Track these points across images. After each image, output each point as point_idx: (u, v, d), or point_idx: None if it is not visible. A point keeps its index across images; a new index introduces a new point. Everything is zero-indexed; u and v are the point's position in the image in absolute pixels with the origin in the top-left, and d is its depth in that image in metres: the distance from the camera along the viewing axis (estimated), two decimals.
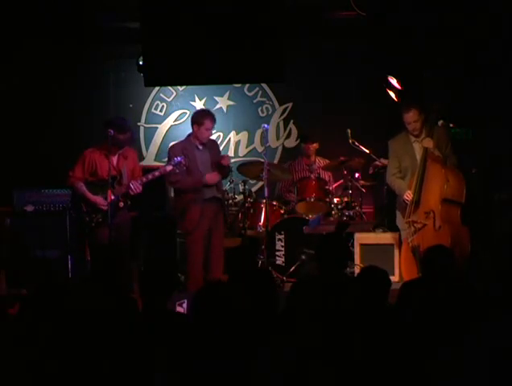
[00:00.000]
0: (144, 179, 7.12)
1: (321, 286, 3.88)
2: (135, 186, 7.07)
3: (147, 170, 7.43)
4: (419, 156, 7.04)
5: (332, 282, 4.57)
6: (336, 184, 8.41)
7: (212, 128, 7.26)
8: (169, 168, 7.11)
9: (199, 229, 7.14)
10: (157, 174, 7.19)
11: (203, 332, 3.71)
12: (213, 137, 8.59)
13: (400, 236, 7.30)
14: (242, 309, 3.87)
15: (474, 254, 6.79)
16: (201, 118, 7.20)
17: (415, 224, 6.88)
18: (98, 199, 7.08)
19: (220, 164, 7.26)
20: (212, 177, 7.19)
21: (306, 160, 8.64)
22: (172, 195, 8.26)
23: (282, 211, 8.20)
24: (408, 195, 6.96)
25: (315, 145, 8.59)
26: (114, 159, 7.16)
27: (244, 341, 3.68)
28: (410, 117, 7.03)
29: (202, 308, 3.77)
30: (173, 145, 7.45)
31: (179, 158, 7.06)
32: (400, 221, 7.18)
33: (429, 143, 6.94)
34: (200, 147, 7.25)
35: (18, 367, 3.73)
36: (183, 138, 7.43)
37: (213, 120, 7.22)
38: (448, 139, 7.18)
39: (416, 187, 6.92)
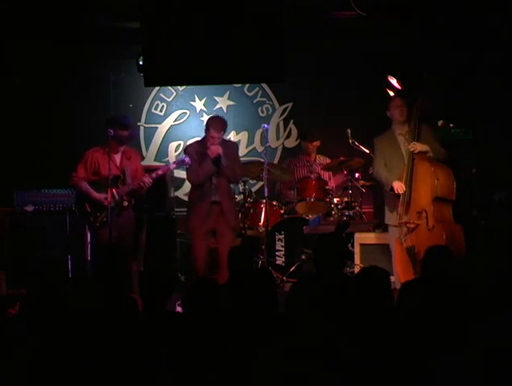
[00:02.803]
0: (154, 175, 7.11)
1: (320, 286, 3.88)
2: (147, 181, 7.07)
3: (147, 170, 7.43)
4: (404, 149, 6.99)
5: (330, 282, 4.58)
6: (335, 181, 8.43)
7: (219, 136, 7.15)
8: (172, 166, 7.12)
9: (202, 228, 7.14)
10: (160, 172, 7.22)
11: (202, 331, 3.72)
12: None
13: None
14: (233, 307, 3.88)
15: (474, 254, 6.77)
16: (207, 126, 7.20)
17: (408, 224, 6.82)
18: (102, 196, 7.07)
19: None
20: (214, 149, 7.09)
21: (307, 157, 8.66)
22: (173, 195, 8.31)
23: (282, 211, 8.20)
24: (399, 187, 6.85)
25: (315, 143, 8.59)
26: (117, 158, 7.18)
27: (244, 341, 3.68)
28: (398, 101, 7.11)
29: (191, 305, 3.79)
30: (189, 144, 7.57)
31: (183, 157, 7.05)
32: (388, 218, 7.07)
33: (419, 147, 6.89)
34: None
35: (18, 367, 3.73)
36: (200, 137, 7.46)
37: (217, 128, 7.14)
38: (432, 134, 7.07)
39: (406, 188, 6.84)
